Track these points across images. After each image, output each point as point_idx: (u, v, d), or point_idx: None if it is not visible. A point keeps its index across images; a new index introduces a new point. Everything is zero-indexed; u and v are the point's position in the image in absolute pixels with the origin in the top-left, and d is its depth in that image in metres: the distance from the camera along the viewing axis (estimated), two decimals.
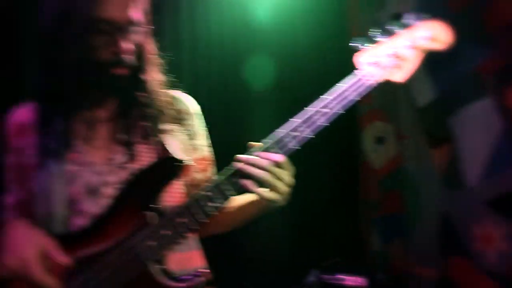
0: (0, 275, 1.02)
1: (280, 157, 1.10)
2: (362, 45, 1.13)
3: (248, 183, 1.09)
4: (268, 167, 1.08)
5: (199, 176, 1.33)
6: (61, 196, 1.14)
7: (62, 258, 1.06)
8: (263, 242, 2.31)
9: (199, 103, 1.36)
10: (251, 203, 1.25)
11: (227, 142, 2.26)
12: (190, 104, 1.33)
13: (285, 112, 2.66)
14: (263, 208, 1.23)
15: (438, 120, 2.31)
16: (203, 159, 1.34)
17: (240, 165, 1.10)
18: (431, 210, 2.37)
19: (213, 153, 1.37)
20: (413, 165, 2.52)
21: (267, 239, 2.33)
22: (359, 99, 1.12)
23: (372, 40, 1.13)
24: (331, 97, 1.13)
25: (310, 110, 1.13)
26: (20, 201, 1.25)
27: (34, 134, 1.19)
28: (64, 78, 1.11)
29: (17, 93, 1.84)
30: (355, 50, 1.14)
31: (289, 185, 1.13)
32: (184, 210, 1.12)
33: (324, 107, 1.12)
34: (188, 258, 1.22)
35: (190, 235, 1.15)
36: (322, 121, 1.12)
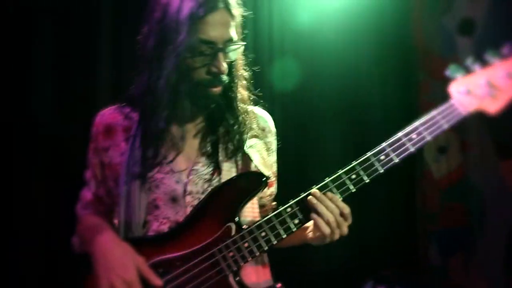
0: None
1: (346, 208, 1.15)
2: (455, 73, 1.10)
3: (316, 217, 1.14)
4: (333, 212, 1.14)
5: (267, 191, 1.37)
6: (143, 201, 1.20)
7: (157, 281, 1.13)
8: (319, 251, 2.32)
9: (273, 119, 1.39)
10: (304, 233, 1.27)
11: (291, 158, 2.29)
12: (268, 121, 1.37)
13: (346, 129, 2.60)
14: (308, 240, 1.26)
15: (509, 128, 2.20)
16: (273, 174, 1.38)
17: (314, 201, 1.14)
18: (498, 224, 2.27)
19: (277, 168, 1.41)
20: (479, 176, 2.42)
21: (323, 248, 2.33)
22: (448, 128, 1.10)
23: (465, 69, 1.10)
24: (420, 123, 1.12)
25: (398, 135, 1.13)
26: (98, 198, 1.33)
27: (119, 135, 1.25)
28: (159, 94, 1.16)
29: (108, 94, 1.97)
30: (449, 78, 1.11)
31: (342, 235, 1.18)
32: (265, 224, 1.16)
33: (413, 132, 1.11)
34: (258, 271, 1.26)
35: (268, 249, 1.18)
36: (409, 148, 1.11)
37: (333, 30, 2.46)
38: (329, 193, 1.15)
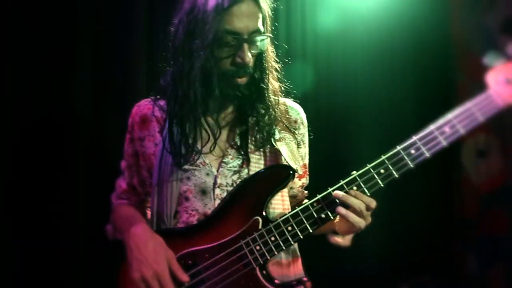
0: (134, 280, 1.14)
1: (372, 202, 1.14)
2: (494, 61, 1.06)
3: (341, 209, 1.14)
4: (359, 207, 1.13)
5: (298, 182, 1.37)
6: (175, 192, 1.23)
7: (184, 276, 1.15)
8: (353, 254, 2.27)
9: (305, 111, 1.39)
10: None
11: (326, 150, 2.27)
12: (301, 113, 1.36)
13: (383, 125, 2.55)
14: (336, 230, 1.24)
15: None
16: (304, 166, 1.38)
17: (340, 194, 1.14)
18: None
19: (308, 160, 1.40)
20: None
21: (357, 251, 2.28)
22: (484, 121, 1.05)
23: (506, 56, 1.05)
24: (453, 115, 1.07)
25: (429, 128, 1.09)
26: (132, 187, 1.37)
27: (154, 126, 1.28)
28: (190, 85, 1.18)
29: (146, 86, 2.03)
30: (487, 66, 1.06)
31: (366, 225, 1.16)
32: (292, 218, 1.16)
33: (445, 125, 1.07)
34: (287, 265, 1.25)
35: (295, 243, 1.18)
36: (441, 142, 1.07)
37: (367, 29, 2.42)
38: (352, 191, 1.14)
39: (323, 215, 1.15)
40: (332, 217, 1.16)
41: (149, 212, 1.34)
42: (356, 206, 1.12)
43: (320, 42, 2.41)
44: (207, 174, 1.23)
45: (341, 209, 1.13)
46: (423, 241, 2.40)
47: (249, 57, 1.16)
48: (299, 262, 1.30)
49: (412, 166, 1.11)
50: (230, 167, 1.24)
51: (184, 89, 1.19)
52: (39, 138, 1.98)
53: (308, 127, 1.37)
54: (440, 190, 2.51)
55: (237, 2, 1.14)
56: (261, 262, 1.16)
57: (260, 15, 1.18)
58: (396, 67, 2.44)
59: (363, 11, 2.42)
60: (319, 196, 1.16)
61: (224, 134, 1.27)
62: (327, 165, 2.07)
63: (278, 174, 1.21)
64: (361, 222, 1.14)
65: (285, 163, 1.24)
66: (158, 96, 1.30)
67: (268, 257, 1.16)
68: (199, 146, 1.22)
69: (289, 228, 1.15)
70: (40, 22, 1.97)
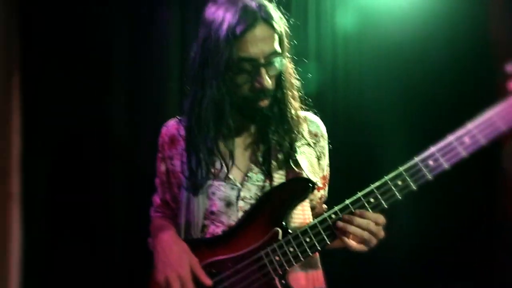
0: (159, 281, 1.20)
1: (380, 218, 1.14)
2: None
3: (344, 238, 1.15)
4: (367, 227, 1.13)
5: (317, 194, 1.39)
6: (201, 206, 1.28)
7: (207, 281, 1.20)
8: (385, 260, 2.23)
9: (324, 122, 1.40)
10: None
11: (346, 160, 2.24)
12: (321, 126, 1.38)
13: (414, 133, 2.44)
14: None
15: None
16: (323, 177, 1.40)
17: (341, 224, 1.15)
18: None
19: (329, 172, 1.42)
20: None
21: (392, 258, 2.24)
22: (507, 130, 1.01)
23: None
24: (474, 125, 1.04)
25: (449, 138, 1.06)
26: (165, 202, 1.44)
27: (181, 145, 1.34)
28: (201, 113, 1.23)
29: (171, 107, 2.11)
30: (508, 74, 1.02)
31: (380, 240, 1.16)
32: (310, 229, 1.18)
33: (465, 135, 1.04)
34: (308, 276, 1.27)
35: (313, 254, 1.20)
36: (461, 153, 1.04)
37: (400, 29, 2.33)
38: (357, 210, 1.14)
39: None
40: None
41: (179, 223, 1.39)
42: (363, 225, 1.13)
43: (350, 43, 2.33)
44: (232, 188, 1.28)
45: (345, 237, 1.15)
46: (462, 247, 2.31)
47: (267, 80, 1.17)
48: (320, 274, 1.31)
49: (430, 177, 1.09)
50: (253, 181, 1.28)
51: (196, 116, 1.24)
52: (80, 155, 2.12)
53: (329, 138, 1.38)
54: (480, 193, 2.39)
55: (249, 28, 1.14)
56: (280, 272, 1.18)
57: (276, 36, 1.19)
58: (431, 68, 2.34)
59: (396, 10, 2.35)
60: (336, 208, 1.17)
61: (248, 151, 1.31)
62: (348, 176, 2.05)
63: (298, 187, 1.23)
64: (371, 239, 1.14)
65: (305, 176, 1.26)
66: (184, 117, 1.35)
67: (287, 268, 1.18)
68: (220, 162, 1.26)
69: (307, 239, 1.17)
70: (78, 39, 2.10)
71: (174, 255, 1.20)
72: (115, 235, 2.11)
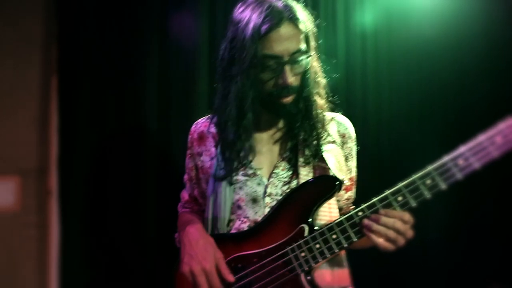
0: (184, 273, 1.23)
1: (405, 215, 1.13)
2: None
3: (371, 235, 1.15)
4: (393, 226, 1.13)
5: (344, 195, 1.40)
6: (228, 201, 1.30)
7: (229, 276, 1.22)
8: (422, 260, 2.18)
9: (353, 122, 1.41)
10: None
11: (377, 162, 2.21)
12: (349, 127, 1.39)
13: (445, 132, 2.36)
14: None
15: None
16: (351, 179, 1.40)
17: (367, 222, 1.15)
18: None
19: (356, 173, 1.42)
20: None
21: (427, 257, 2.19)
22: (499, 156, 0.99)
23: None
24: (506, 124, 1.02)
25: (480, 137, 1.05)
26: (193, 198, 1.48)
27: (210, 142, 1.38)
28: (227, 108, 1.27)
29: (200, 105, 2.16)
30: None
31: (408, 239, 1.15)
32: (336, 226, 1.18)
33: (497, 135, 1.02)
34: (334, 273, 1.27)
35: (339, 251, 1.20)
36: (492, 153, 1.02)
37: (429, 26, 2.27)
38: (381, 210, 1.14)
39: None
40: None
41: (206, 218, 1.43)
42: (389, 224, 1.13)
43: (379, 42, 2.30)
44: (258, 184, 1.30)
45: (373, 235, 1.14)
46: (499, 245, 2.22)
47: (291, 78, 1.21)
48: (346, 273, 1.31)
49: (460, 177, 1.07)
50: (280, 177, 1.29)
51: (223, 112, 1.28)
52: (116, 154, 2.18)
53: (357, 139, 1.38)
54: None
55: (274, 27, 1.19)
56: (306, 268, 1.19)
57: (301, 35, 1.22)
58: (463, 66, 2.25)
59: (425, 7, 2.31)
60: (363, 205, 1.17)
61: (276, 147, 1.34)
62: (378, 176, 2.03)
63: (324, 185, 1.24)
64: (398, 238, 1.14)
65: (332, 174, 1.27)
66: (212, 115, 1.39)
67: (313, 264, 1.19)
68: (245, 160, 1.29)
69: (334, 236, 1.18)
70: (114, 41, 2.18)
71: (200, 248, 1.22)
72: (147, 230, 2.16)
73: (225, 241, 1.27)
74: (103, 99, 2.16)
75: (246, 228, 1.28)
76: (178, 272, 1.27)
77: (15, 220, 2.16)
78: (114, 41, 2.17)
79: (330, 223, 1.19)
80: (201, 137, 1.41)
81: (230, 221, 1.30)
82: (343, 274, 1.30)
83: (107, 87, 2.17)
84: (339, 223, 1.18)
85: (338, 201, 1.38)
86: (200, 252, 1.22)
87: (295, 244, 1.19)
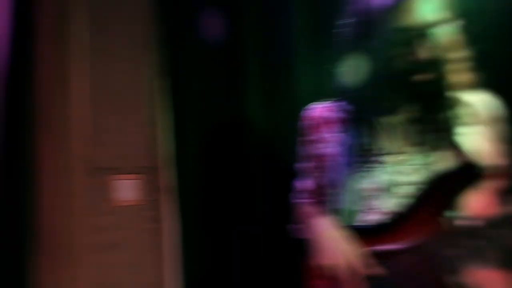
0: (313, 268, 1.21)
1: None
2: None
3: None
4: None
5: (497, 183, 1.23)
6: (355, 191, 1.25)
7: (363, 271, 1.16)
8: None
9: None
10: None
11: None
12: (495, 108, 1.25)
13: None
14: None
15: None
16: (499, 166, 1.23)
17: None
18: None
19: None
20: None
21: None
22: None
23: None
24: None
25: None
26: (318, 187, 1.41)
27: (333, 128, 1.32)
28: (366, 87, 1.20)
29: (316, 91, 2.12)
30: None
31: None
32: (501, 223, 1.06)
33: None
34: (487, 277, 1.13)
35: (500, 251, 1.07)
36: None
37: None
38: None
39: None
40: None
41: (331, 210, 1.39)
42: None
43: None
44: (386, 172, 1.22)
45: None
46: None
47: (422, 53, 1.12)
48: (504, 276, 1.17)
49: None
50: (410, 164, 1.21)
51: (360, 92, 1.21)
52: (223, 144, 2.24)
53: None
54: None
55: None
56: (454, 269, 1.08)
57: (435, 6, 1.13)
58: None
59: None
60: None
61: (406, 131, 1.25)
62: None
63: (467, 173, 1.12)
64: None
65: (475, 161, 1.14)
66: (337, 98, 1.34)
67: (462, 265, 1.08)
68: (373, 145, 1.22)
69: (494, 234, 1.06)
70: (214, 38, 2.22)
71: (329, 242, 1.20)
72: (260, 223, 2.19)
73: (356, 233, 1.21)
74: (211, 95, 2.24)
75: (375, 220, 1.21)
76: (306, 268, 1.25)
77: (135, 213, 2.31)
78: (215, 38, 2.22)
79: (493, 218, 1.07)
80: (321, 124, 1.36)
81: (358, 212, 1.25)
82: (497, 276, 1.16)
83: (214, 83, 2.23)
84: (503, 220, 1.06)
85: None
86: (330, 246, 1.19)
87: (441, 241, 1.09)
